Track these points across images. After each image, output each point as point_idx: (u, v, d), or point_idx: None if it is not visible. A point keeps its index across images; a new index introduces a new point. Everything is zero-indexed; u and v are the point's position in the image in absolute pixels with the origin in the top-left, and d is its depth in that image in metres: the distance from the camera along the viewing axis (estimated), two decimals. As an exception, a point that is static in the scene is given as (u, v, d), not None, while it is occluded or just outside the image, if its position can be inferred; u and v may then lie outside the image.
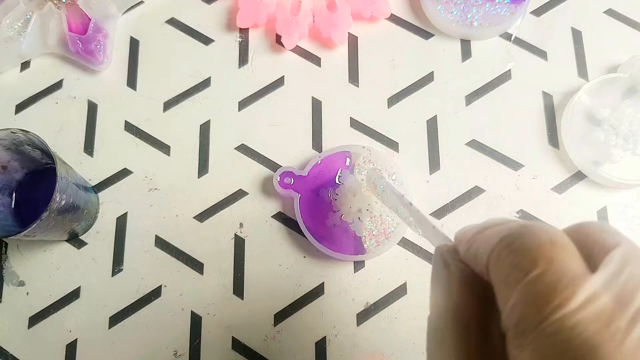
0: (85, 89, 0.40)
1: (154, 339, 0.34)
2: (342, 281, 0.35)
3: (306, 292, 0.35)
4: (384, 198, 0.31)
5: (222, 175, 0.37)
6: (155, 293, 0.35)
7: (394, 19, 0.40)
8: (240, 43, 0.40)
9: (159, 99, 0.39)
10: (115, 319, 0.35)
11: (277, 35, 0.40)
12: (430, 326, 0.18)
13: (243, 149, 0.38)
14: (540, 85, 0.38)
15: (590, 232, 0.16)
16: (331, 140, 0.38)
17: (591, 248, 0.15)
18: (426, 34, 0.40)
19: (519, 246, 0.15)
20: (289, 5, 0.40)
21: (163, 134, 0.38)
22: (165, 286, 0.35)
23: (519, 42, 0.39)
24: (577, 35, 0.39)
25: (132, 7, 0.41)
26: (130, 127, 0.39)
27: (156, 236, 0.36)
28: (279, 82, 0.39)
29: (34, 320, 0.35)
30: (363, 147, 0.36)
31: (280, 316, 0.35)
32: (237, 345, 0.34)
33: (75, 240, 0.36)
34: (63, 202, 0.31)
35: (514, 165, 0.37)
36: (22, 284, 0.36)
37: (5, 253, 0.36)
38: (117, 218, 0.37)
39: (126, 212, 0.37)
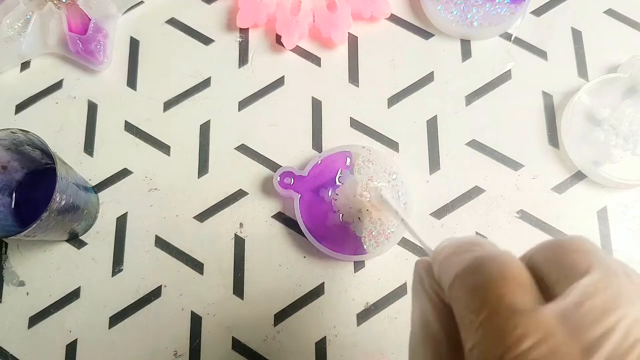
0: (85, 89, 0.40)
1: (154, 339, 0.35)
2: (342, 281, 0.35)
3: (306, 292, 0.35)
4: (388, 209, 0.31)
5: (222, 175, 0.37)
6: (155, 293, 0.35)
7: (394, 19, 0.40)
8: (240, 43, 0.40)
9: (159, 99, 0.39)
10: (115, 319, 0.35)
11: (277, 35, 0.40)
12: (410, 341, 0.18)
13: (243, 149, 0.38)
14: (540, 85, 0.38)
15: (561, 252, 0.15)
16: (331, 140, 0.38)
17: (559, 271, 0.15)
18: (426, 34, 0.40)
19: (471, 285, 0.15)
20: (289, 5, 0.40)
21: (163, 134, 0.38)
22: (165, 286, 0.35)
23: (519, 42, 0.39)
24: (577, 35, 0.39)
25: (132, 7, 0.41)
26: (130, 127, 0.39)
27: (156, 236, 0.36)
28: (279, 82, 0.39)
29: (34, 320, 0.35)
30: (363, 147, 0.36)
31: (280, 316, 0.35)
32: (237, 345, 0.34)
33: (75, 240, 0.36)
34: (63, 202, 0.31)
35: (514, 165, 0.37)
36: (22, 284, 0.36)
37: (5, 253, 0.36)
38: (117, 218, 0.37)
39: (126, 212, 0.37)
